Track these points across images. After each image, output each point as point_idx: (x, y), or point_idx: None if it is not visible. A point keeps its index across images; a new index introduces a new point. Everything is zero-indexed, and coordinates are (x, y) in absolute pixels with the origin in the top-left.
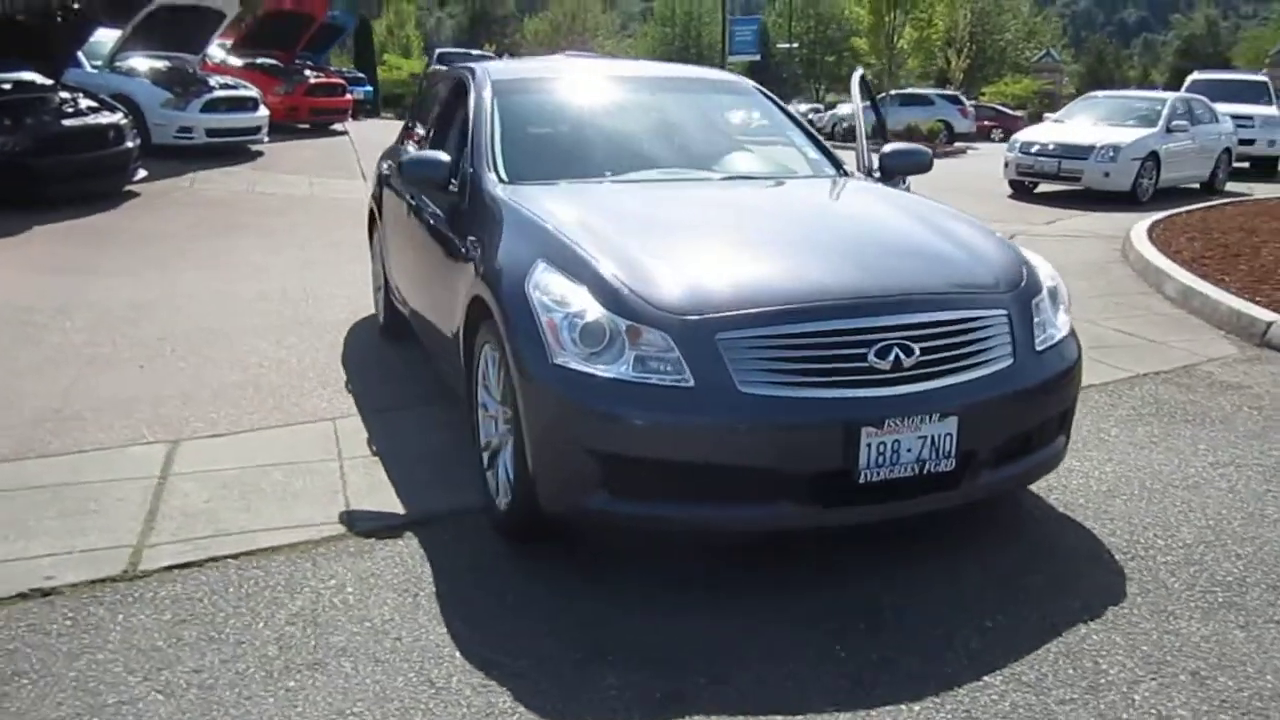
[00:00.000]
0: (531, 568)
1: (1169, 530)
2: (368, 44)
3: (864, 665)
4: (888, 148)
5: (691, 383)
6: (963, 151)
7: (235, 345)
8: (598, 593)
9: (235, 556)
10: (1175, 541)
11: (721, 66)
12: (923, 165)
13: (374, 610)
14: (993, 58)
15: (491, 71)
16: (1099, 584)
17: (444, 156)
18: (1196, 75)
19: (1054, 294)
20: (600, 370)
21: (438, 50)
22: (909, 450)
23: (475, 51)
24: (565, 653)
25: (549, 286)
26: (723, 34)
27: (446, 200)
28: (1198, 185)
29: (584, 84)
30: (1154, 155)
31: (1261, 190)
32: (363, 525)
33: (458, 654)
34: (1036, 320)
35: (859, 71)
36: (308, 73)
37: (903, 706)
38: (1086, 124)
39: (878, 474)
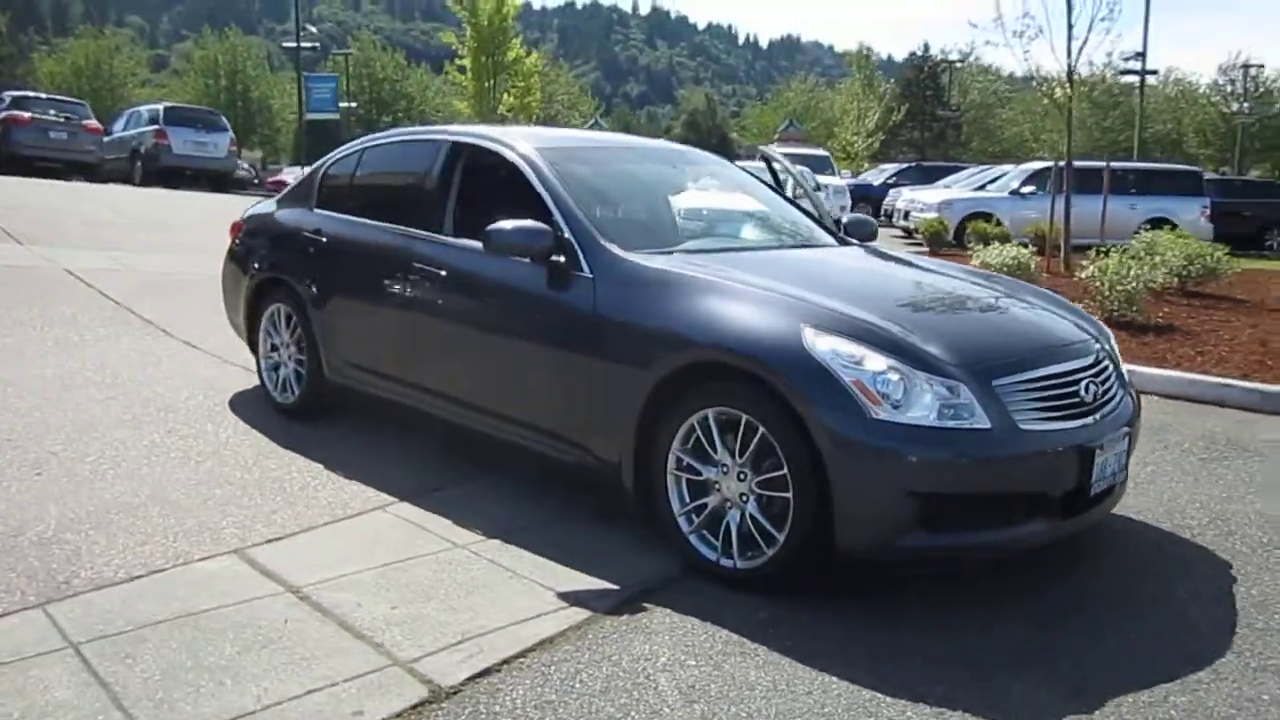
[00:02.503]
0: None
1: None
2: None
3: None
4: (847, 218)
5: (988, 425)
6: None
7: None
8: (898, 625)
9: (523, 655)
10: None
11: (299, 123)
12: (872, 234)
13: (739, 673)
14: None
15: (527, 139)
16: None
17: (546, 226)
18: (763, 149)
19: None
20: (913, 420)
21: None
22: (1109, 465)
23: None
24: (952, 672)
25: (837, 349)
26: (298, 90)
27: (537, 274)
28: None
29: (614, 154)
30: None
31: None
32: (599, 604)
33: (871, 692)
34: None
35: (769, 148)
36: None
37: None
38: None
39: (1098, 487)
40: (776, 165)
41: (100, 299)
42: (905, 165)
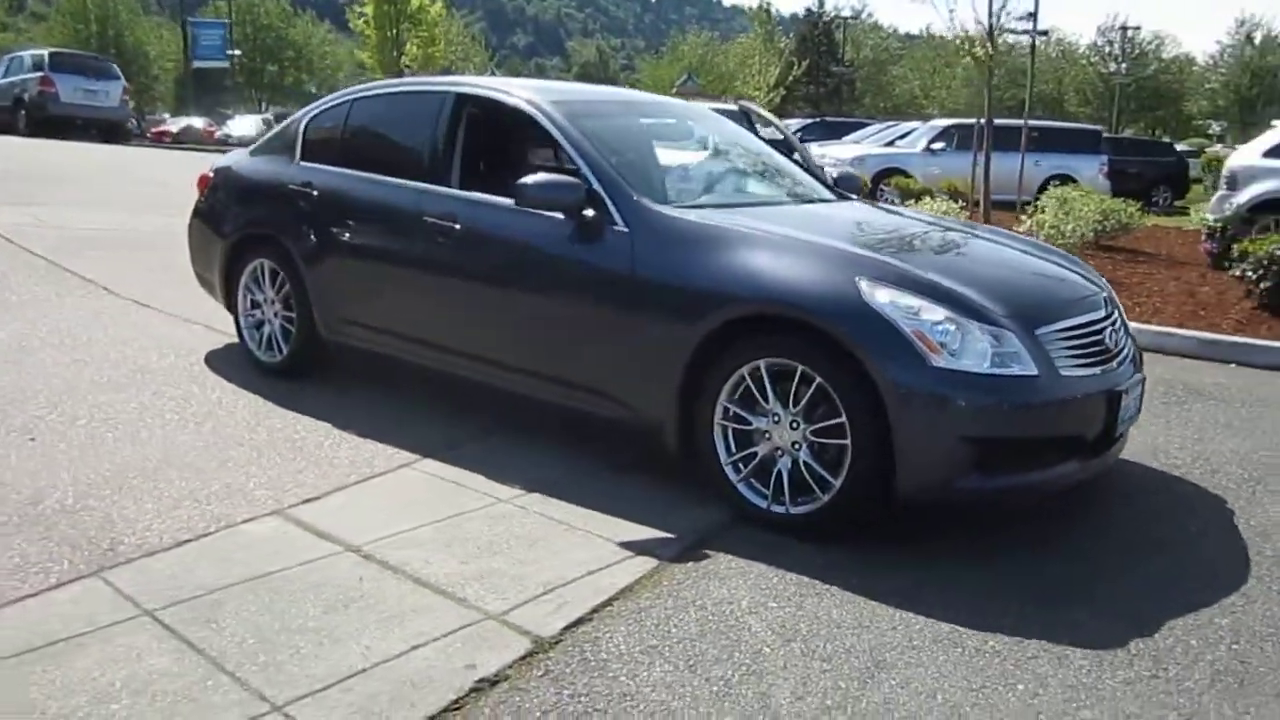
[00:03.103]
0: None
1: None
2: None
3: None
4: (836, 173)
5: (1035, 371)
6: None
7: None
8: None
9: (608, 603)
10: None
11: (187, 70)
12: (859, 190)
13: (822, 612)
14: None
15: (537, 92)
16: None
17: (575, 180)
18: (744, 103)
19: None
20: (969, 368)
21: None
22: (1129, 408)
23: None
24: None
25: (895, 300)
26: (183, 36)
27: (564, 229)
28: None
29: (620, 107)
30: None
31: None
32: (664, 553)
33: (950, 624)
34: None
35: (748, 103)
36: None
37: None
38: None
39: (1120, 429)
40: (757, 120)
41: (29, 256)
42: (809, 120)
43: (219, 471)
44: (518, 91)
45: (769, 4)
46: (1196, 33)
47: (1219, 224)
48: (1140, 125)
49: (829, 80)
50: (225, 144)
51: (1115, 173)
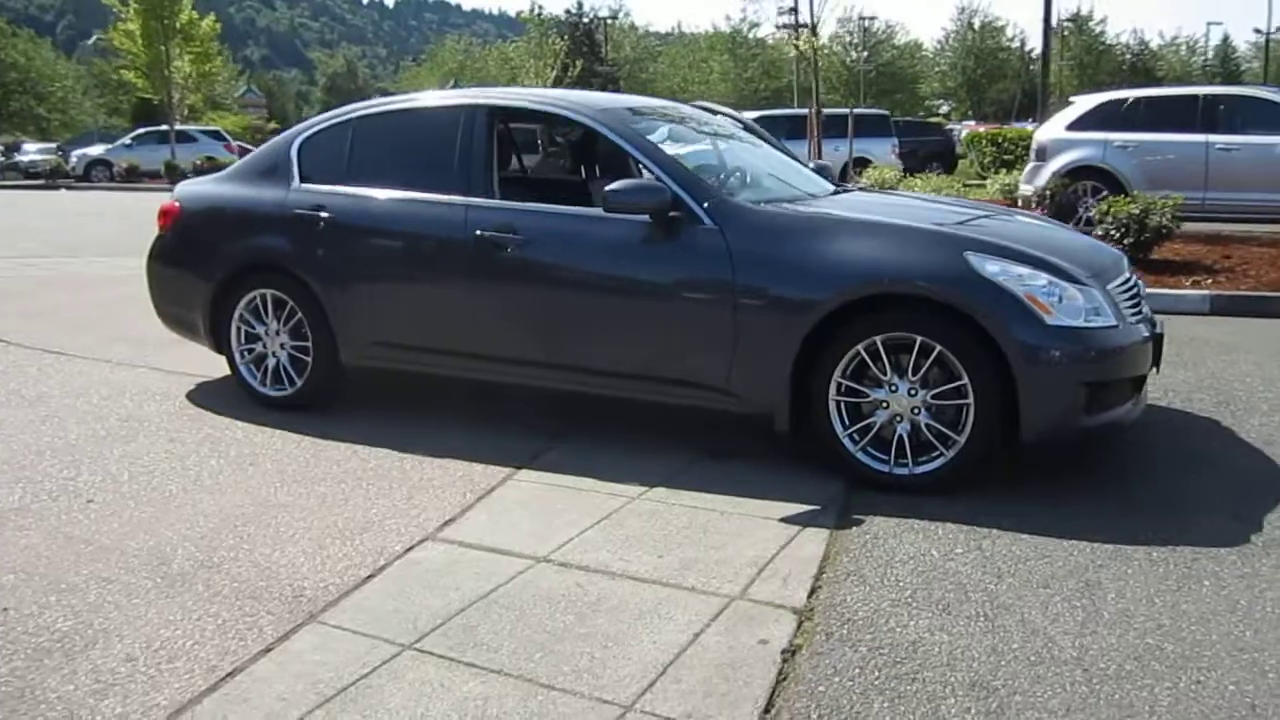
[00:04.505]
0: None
1: None
2: None
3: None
4: (813, 165)
5: (1114, 322)
6: None
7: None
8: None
9: (820, 571)
10: None
11: None
12: (834, 178)
13: (1004, 550)
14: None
15: (584, 103)
16: None
17: (659, 183)
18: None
19: None
20: (1072, 323)
21: None
22: (1164, 351)
23: None
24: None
25: (1006, 269)
26: None
27: (646, 231)
28: None
29: (650, 112)
30: None
31: None
32: (826, 522)
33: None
34: None
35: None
36: None
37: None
38: None
39: (1155, 371)
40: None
41: None
42: None
43: (326, 509)
44: (559, 103)
45: (541, 7)
46: (924, 21)
47: (1048, 190)
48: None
49: (595, 80)
50: None
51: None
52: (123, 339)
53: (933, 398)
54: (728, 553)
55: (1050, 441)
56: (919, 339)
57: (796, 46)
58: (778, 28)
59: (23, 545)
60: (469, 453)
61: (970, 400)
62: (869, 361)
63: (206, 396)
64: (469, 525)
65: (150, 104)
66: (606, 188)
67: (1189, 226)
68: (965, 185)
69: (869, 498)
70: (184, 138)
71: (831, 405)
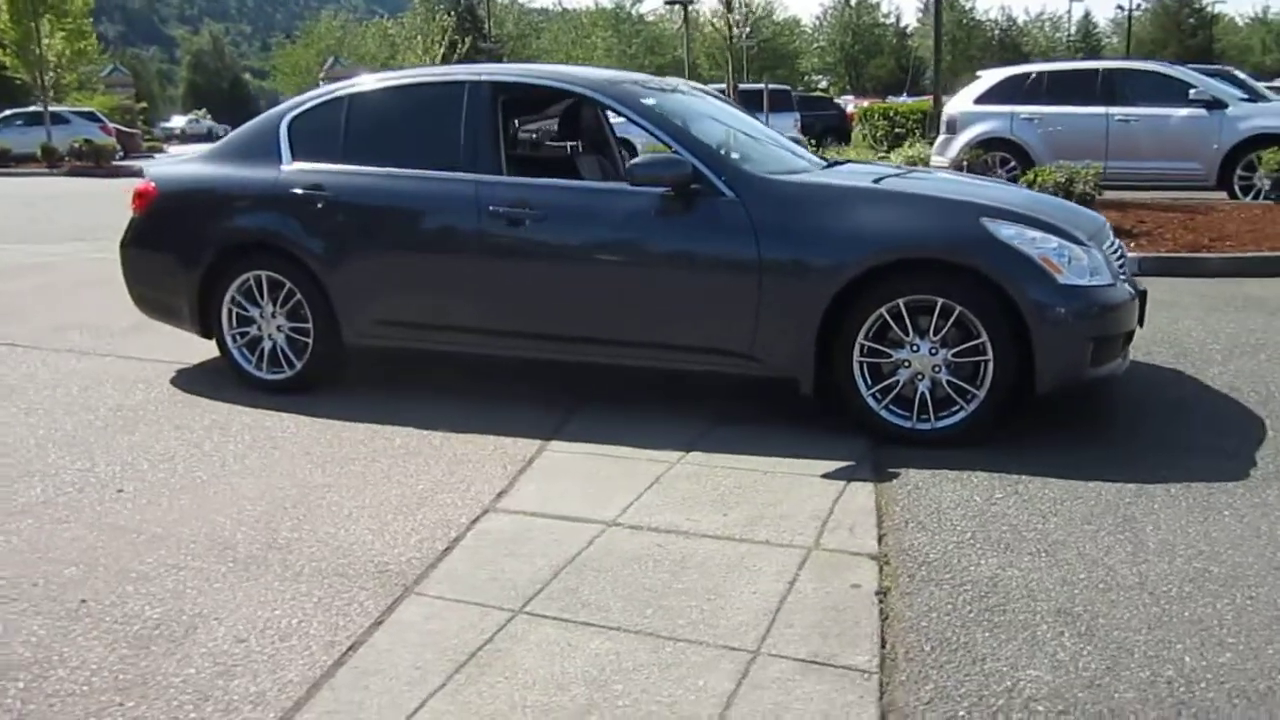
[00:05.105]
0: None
1: None
2: None
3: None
4: (791, 136)
5: (1111, 281)
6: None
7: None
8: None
9: (880, 520)
10: None
11: None
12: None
13: (1038, 492)
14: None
15: (590, 79)
16: None
17: (680, 157)
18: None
19: None
20: (1079, 282)
21: None
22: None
23: None
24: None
25: (1020, 232)
26: None
27: (665, 203)
28: None
29: (657, 86)
30: None
31: None
32: (866, 475)
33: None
34: None
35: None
36: None
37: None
38: None
39: (1139, 327)
40: None
41: None
42: None
43: (371, 488)
44: (566, 77)
45: None
46: None
47: (963, 161)
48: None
49: (479, 57)
50: None
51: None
52: (71, 326)
53: (953, 356)
54: (787, 508)
55: (1059, 393)
56: (940, 301)
57: (713, 24)
58: (666, 3)
59: (69, 537)
60: (491, 427)
61: (989, 356)
62: (890, 323)
63: (193, 383)
64: (522, 495)
65: (10, 84)
66: (630, 161)
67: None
68: (878, 156)
69: (894, 452)
70: (56, 119)
71: (855, 366)
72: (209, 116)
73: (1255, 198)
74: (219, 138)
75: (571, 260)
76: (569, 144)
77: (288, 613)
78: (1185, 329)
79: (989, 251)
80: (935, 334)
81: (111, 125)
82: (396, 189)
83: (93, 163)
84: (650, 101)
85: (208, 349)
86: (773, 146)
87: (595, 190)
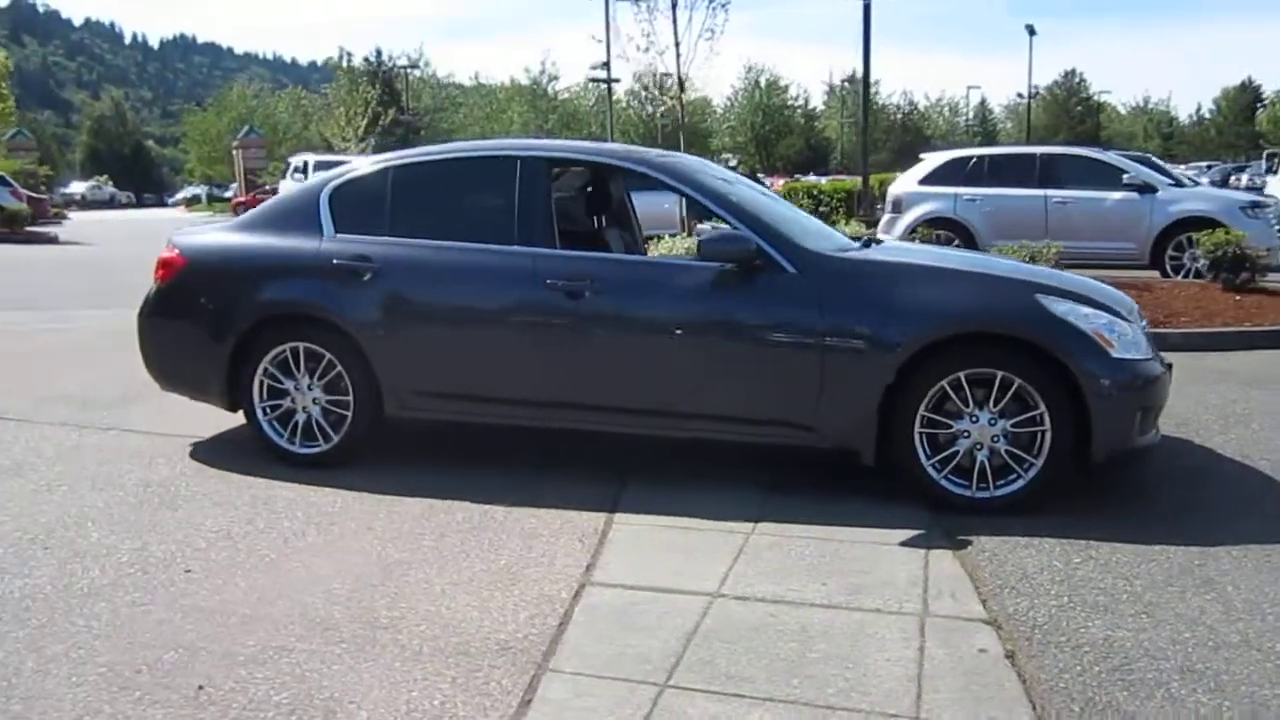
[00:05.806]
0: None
1: None
2: None
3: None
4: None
5: (1150, 355)
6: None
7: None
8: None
9: (976, 587)
10: None
11: None
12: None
13: (1104, 556)
14: None
15: (638, 156)
16: None
17: (745, 233)
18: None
19: None
20: (1127, 356)
21: None
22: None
23: None
24: None
25: (1073, 309)
26: None
27: (727, 277)
28: None
29: (695, 164)
30: None
31: None
32: (939, 543)
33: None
34: None
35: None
36: None
37: None
38: None
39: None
40: None
41: None
42: None
43: (452, 564)
44: (616, 156)
45: (350, 55)
46: (712, 78)
47: (913, 238)
48: None
49: (398, 129)
50: None
51: None
52: (53, 399)
53: (1012, 426)
54: (880, 576)
55: (1114, 460)
56: (1000, 373)
57: (667, 99)
58: (591, 81)
59: (156, 620)
60: (547, 499)
61: (1047, 427)
62: (950, 394)
63: (216, 456)
64: (612, 570)
65: None
66: (700, 238)
67: None
68: None
69: (957, 520)
70: None
71: (916, 437)
72: (110, 183)
73: (1185, 276)
74: (122, 205)
75: (632, 333)
76: (597, 216)
77: (425, 694)
78: (1171, 401)
79: (1047, 327)
80: (994, 405)
81: (22, 190)
82: (449, 261)
83: (7, 229)
84: (705, 179)
85: (214, 422)
86: (810, 224)
87: (655, 264)
